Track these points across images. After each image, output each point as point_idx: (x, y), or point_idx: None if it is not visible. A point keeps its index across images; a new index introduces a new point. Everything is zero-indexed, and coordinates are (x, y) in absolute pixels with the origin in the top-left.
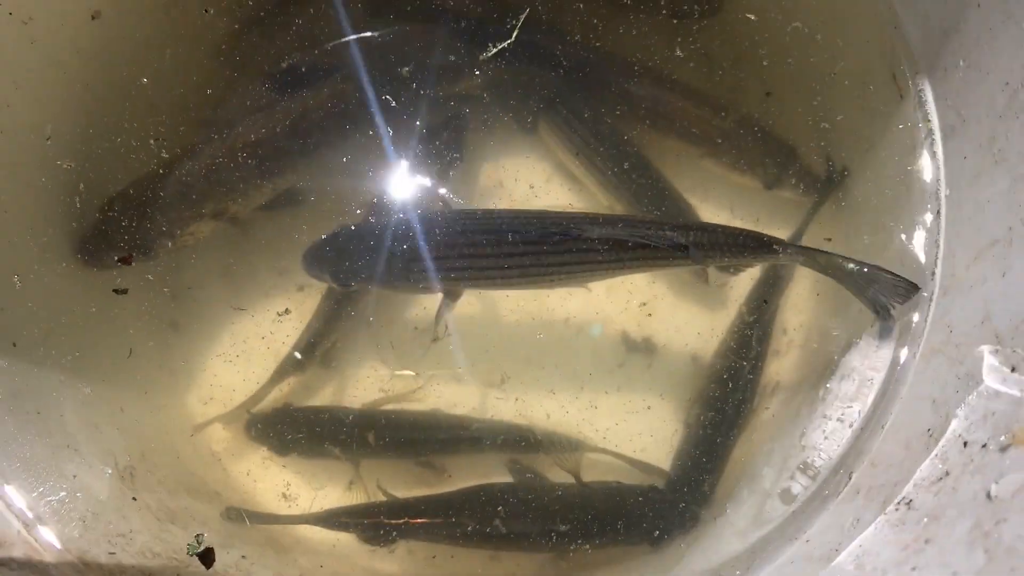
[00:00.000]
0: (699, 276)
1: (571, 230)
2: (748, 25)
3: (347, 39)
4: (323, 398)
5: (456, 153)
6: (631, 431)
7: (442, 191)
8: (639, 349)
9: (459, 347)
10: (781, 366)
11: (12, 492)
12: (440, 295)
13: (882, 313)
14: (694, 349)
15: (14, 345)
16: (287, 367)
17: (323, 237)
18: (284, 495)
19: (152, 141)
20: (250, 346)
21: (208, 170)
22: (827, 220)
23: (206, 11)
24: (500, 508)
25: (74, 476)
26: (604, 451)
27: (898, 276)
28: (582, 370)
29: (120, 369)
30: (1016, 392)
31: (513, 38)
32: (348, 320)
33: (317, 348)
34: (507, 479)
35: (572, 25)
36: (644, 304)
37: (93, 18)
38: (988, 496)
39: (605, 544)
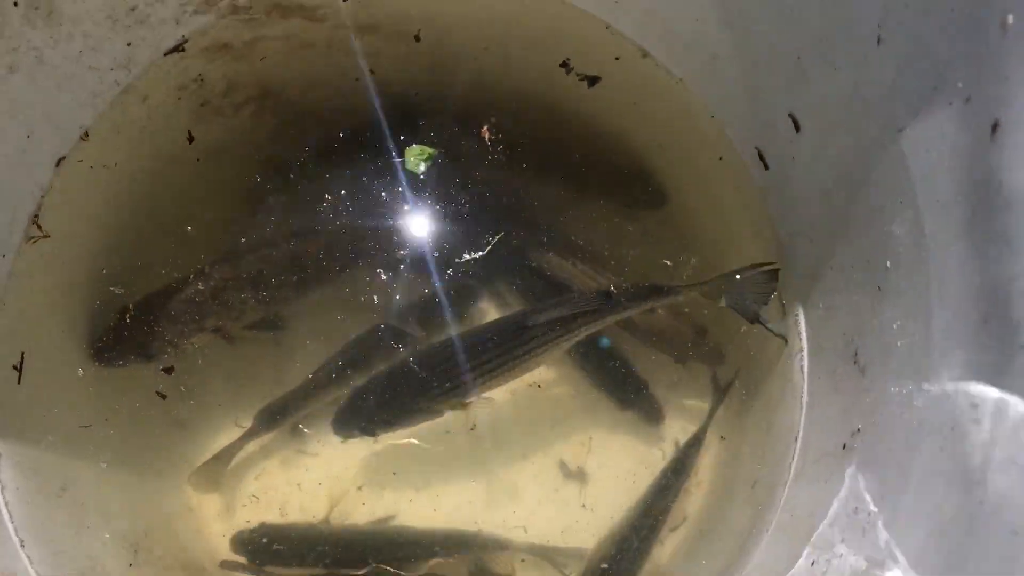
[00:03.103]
0: (648, 418)
1: (524, 321)
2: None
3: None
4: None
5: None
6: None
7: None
8: (574, 477)
9: (413, 463)
10: (690, 503)
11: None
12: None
13: (754, 318)
14: (624, 480)
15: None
16: (258, 427)
17: (344, 403)
18: None
19: (191, 276)
20: (248, 448)
21: (215, 291)
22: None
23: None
24: None
25: (91, 553)
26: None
27: (759, 265)
28: (523, 490)
29: (136, 459)
30: None
31: (486, 251)
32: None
33: (290, 415)
34: None
35: (540, 213)
36: (590, 438)
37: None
38: None
39: None
